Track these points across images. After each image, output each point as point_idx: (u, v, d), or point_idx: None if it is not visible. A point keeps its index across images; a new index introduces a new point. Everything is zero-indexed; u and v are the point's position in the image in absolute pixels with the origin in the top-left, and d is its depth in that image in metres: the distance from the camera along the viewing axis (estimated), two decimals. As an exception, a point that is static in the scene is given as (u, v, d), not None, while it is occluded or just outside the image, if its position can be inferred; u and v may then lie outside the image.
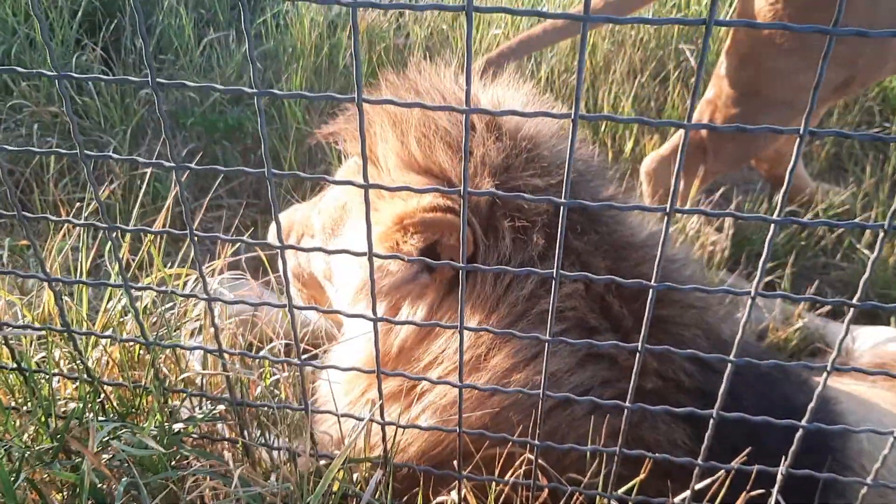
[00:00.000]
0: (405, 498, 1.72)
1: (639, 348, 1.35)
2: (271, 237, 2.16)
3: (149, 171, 3.00)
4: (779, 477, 1.49)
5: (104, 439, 1.51)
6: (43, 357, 1.82)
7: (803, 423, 1.41)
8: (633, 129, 3.85)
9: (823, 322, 3.05)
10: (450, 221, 1.62)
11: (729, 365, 1.33)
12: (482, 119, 1.73)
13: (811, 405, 1.39)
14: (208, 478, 1.50)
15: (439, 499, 1.68)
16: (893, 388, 2.44)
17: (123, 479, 1.44)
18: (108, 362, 1.77)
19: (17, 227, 3.12)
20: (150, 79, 1.18)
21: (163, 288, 1.45)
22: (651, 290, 1.26)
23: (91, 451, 1.41)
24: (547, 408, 1.63)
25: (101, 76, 1.17)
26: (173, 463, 1.61)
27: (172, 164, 1.25)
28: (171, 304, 1.97)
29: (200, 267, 1.38)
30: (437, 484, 1.70)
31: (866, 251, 3.36)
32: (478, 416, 1.63)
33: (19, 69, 1.25)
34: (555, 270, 1.25)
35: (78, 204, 2.40)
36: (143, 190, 2.43)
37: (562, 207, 1.18)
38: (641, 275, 1.58)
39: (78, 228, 2.24)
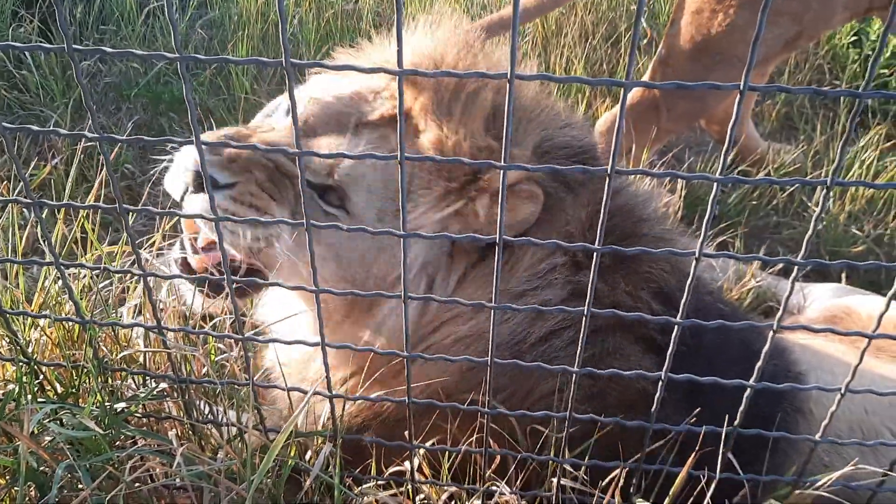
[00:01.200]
0: (357, 469, 1.71)
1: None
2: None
3: (94, 146, 2.92)
4: (723, 436, 1.49)
5: (42, 421, 1.47)
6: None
7: (752, 381, 1.41)
8: (586, 93, 3.82)
9: (775, 280, 3.07)
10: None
11: (682, 312, 1.32)
12: None
13: (765, 349, 1.38)
14: (152, 458, 1.47)
15: (392, 468, 1.67)
16: (845, 340, 2.47)
17: (62, 463, 1.39)
18: (47, 343, 1.72)
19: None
20: (65, 46, 1.13)
21: (97, 266, 1.40)
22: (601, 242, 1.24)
23: (26, 434, 1.37)
24: (533, 340, 1.66)
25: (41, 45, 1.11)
26: (117, 443, 1.57)
27: (96, 136, 1.20)
28: (108, 281, 1.92)
29: (133, 242, 1.34)
30: (391, 453, 1.69)
31: (817, 209, 3.38)
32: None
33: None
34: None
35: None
36: (75, 165, 2.35)
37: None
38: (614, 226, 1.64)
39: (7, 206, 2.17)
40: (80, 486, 1.42)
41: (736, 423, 1.47)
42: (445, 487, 1.68)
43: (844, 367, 2.10)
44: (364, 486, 1.66)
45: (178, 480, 1.44)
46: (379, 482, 1.69)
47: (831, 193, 2.79)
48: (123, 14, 3.96)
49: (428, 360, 1.50)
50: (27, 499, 1.40)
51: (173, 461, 1.46)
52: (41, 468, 1.46)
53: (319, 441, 1.66)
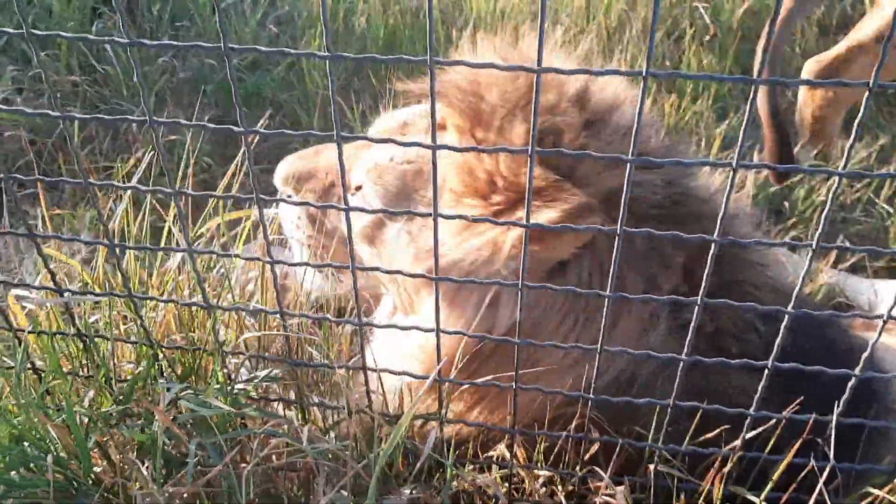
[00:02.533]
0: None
1: (697, 302, 1.38)
2: (278, 180, 2.09)
3: (175, 137, 3.01)
4: (833, 426, 1.53)
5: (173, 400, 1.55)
6: (94, 321, 1.85)
7: (857, 371, 1.45)
8: (651, 90, 3.85)
9: (844, 276, 3.08)
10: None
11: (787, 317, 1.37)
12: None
13: (865, 355, 1.43)
14: (273, 438, 1.54)
15: (490, 452, 1.73)
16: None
17: (193, 439, 1.47)
18: (162, 325, 1.80)
19: (49, 193, 3.13)
20: (222, 45, 1.20)
21: (227, 253, 1.47)
22: (713, 245, 1.29)
23: (162, 411, 1.45)
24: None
25: (172, 42, 1.18)
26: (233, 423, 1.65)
27: (241, 130, 1.27)
28: (219, 265, 2.01)
29: (266, 231, 1.41)
30: (487, 439, 1.75)
31: (885, 206, 3.39)
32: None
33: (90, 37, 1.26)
34: (618, 227, 1.28)
35: (117, 169, 2.41)
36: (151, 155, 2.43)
37: (628, 165, 1.20)
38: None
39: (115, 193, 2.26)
40: (210, 461, 1.50)
41: (838, 410, 1.51)
42: (539, 472, 1.74)
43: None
44: (465, 468, 1.72)
45: (300, 460, 1.51)
46: (475, 464, 1.75)
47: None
48: (197, 11, 4.06)
49: (537, 345, 1.55)
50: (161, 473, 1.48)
51: (295, 440, 1.53)
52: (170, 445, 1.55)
53: (418, 425, 1.73)
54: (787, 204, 3.41)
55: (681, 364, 1.48)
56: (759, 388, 1.50)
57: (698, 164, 1.61)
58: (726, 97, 4.04)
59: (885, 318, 1.38)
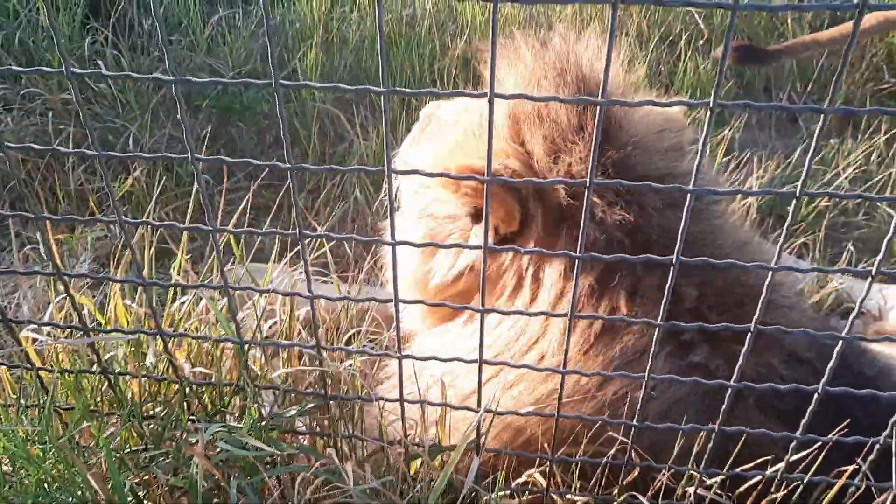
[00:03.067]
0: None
1: (751, 329, 1.36)
2: None
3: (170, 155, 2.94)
4: (878, 447, 1.51)
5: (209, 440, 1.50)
6: (109, 357, 1.80)
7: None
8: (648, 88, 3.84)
9: (852, 282, 3.08)
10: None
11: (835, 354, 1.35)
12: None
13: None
14: (315, 476, 1.50)
15: (522, 478, 1.70)
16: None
17: (232, 481, 1.43)
18: (189, 359, 1.76)
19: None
20: (272, 80, 1.15)
21: (267, 289, 1.43)
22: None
23: (201, 453, 1.40)
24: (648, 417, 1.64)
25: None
26: (268, 461, 1.61)
27: (288, 166, 1.23)
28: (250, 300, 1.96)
29: (307, 266, 1.37)
30: (521, 464, 1.72)
31: (889, 209, 3.39)
32: (577, 402, 1.64)
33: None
34: (675, 257, 1.25)
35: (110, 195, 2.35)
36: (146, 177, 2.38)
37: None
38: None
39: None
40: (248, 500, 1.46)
41: (886, 434, 1.50)
42: (576, 497, 1.71)
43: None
44: (499, 494, 1.69)
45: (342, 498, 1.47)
46: (507, 492, 1.72)
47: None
48: (189, 23, 3.99)
49: (584, 375, 1.52)
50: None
51: (336, 479, 1.49)
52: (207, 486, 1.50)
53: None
54: (789, 209, 3.40)
55: (729, 391, 1.45)
56: (808, 412, 1.48)
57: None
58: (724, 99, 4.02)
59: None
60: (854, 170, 3.58)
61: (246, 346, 1.55)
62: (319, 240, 2.23)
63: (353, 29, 4.08)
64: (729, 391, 1.45)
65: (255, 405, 1.61)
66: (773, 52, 3.69)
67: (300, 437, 1.77)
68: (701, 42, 4.26)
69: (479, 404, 1.56)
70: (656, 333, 1.39)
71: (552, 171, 1.70)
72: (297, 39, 4.03)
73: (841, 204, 3.48)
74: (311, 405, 1.62)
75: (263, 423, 1.58)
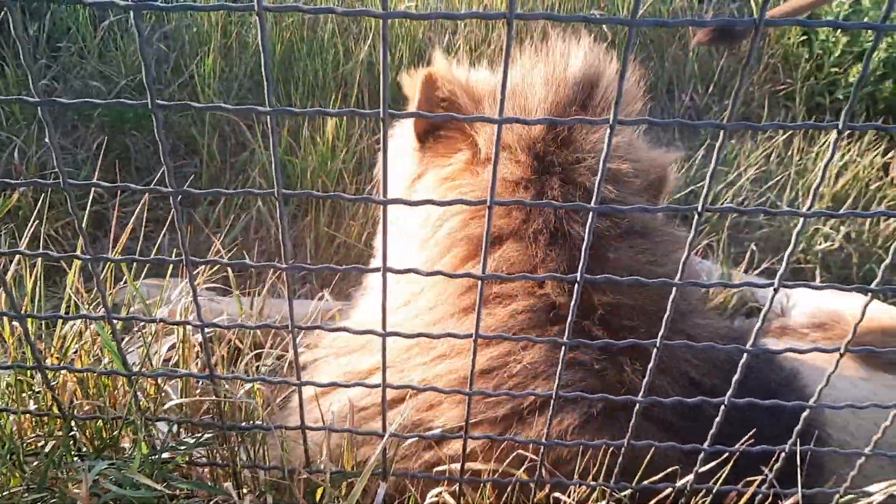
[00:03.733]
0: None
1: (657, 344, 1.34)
2: None
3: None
4: (783, 454, 1.52)
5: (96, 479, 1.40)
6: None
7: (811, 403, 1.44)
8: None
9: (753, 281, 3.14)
10: None
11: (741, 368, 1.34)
12: None
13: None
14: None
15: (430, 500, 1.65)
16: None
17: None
18: (73, 392, 1.65)
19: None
20: (149, 101, 1.07)
21: (153, 318, 1.34)
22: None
23: (85, 496, 1.31)
24: (529, 408, 1.62)
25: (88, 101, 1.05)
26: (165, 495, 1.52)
27: (170, 190, 1.15)
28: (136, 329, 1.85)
29: (195, 294, 1.29)
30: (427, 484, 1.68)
31: (787, 208, 3.47)
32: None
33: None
34: (579, 276, 1.22)
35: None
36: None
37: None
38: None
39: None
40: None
41: (791, 442, 1.50)
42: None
43: (845, 382, 2.17)
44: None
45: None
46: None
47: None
48: (78, 29, 3.81)
49: (491, 395, 1.48)
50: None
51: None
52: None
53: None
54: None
55: (636, 406, 1.44)
56: (715, 423, 1.47)
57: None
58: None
59: (841, 350, 1.37)
60: (755, 170, 3.65)
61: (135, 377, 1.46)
62: (221, 252, 2.14)
63: (253, 33, 3.97)
64: (638, 407, 1.44)
65: (147, 439, 1.52)
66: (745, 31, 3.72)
67: (200, 468, 1.68)
68: (605, 44, 4.29)
69: (383, 426, 1.51)
70: (563, 350, 1.36)
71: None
72: (195, 45, 3.89)
73: (743, 204, 3.54)
74: (209, 435, 1.54)
75: (155, 457, 1.50)
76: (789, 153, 3.78)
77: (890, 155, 3.79)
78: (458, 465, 1.57)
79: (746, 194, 3.54)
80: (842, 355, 1.38)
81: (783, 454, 1.53)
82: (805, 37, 4.44)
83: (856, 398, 2.08)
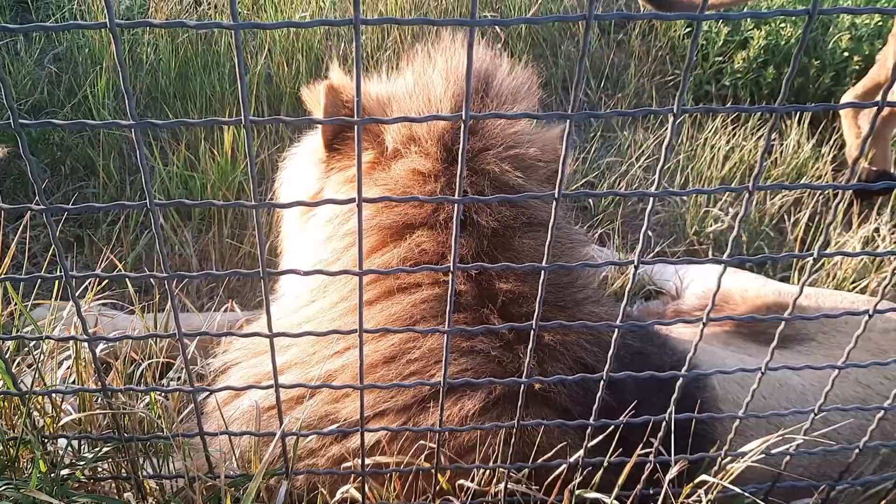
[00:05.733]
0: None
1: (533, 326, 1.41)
2: None
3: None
4: (664, 424, 1.61)
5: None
6: None
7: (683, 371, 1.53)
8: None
9: (650, 266, 3.26)
10: None
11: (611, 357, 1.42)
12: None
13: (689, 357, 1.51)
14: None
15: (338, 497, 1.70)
16: (714, 326, 2.68)
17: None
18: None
19: None
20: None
21: (39, 336, 1.36)
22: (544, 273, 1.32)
23: (-19, 518, 1.32)
24: (430, 394, 1.67)
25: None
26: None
27: (42, 207, 1.18)
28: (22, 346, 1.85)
29: (79, 308, 1.31)
30: (335, 481, 1.72)
31: (681, 197, 3.61)
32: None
33: None
34: (452, 265, 1.28)
35: None
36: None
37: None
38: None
39: None
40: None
41: (669, 411, 1.59)
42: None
43: (735, 360, 2.29)
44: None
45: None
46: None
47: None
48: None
49: (381, 388, 1.54)
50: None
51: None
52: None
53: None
54: (591, 201, 3.57)
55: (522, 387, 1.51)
56: (598, 398, 1.55)
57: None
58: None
59: (704, 320, 1.46)
60: (646, 159, 3.79)
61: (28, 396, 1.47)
62: (119, 267, 2.14)
63: (147, 51, 3.95)
64: (523, 387, 1.50)
65: (45, 457, 1.53)
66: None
67: (104, 483, 1.70)
68: (498, 45, 4.39)
69: (280, 420, 1.55)
70: (446, 338, 1.42)
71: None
72: (88, 64, 3.86)
73: (637, 190, 3.67)
74: (108, 448, 1.56)
75: (54, 474, 1.51)
76: (679, 140, 3.92)
77: (773, 137, 3.97)
78: (363, 460, 1.62)
79: (639, 181, 3.67)
80: (705, 325, 1.47)
81: (672, 427, 1.61)
82: (690, 28, 4.61)
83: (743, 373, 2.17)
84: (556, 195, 1.24)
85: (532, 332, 1.42)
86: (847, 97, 3.72)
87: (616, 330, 1.45)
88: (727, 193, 3.54)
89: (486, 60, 2.01)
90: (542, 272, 1.33)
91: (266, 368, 1.81)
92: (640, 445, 1.60)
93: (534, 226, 1.82)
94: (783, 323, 1.47)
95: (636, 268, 1.35)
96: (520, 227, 1.78)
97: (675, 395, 1.58)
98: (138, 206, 1.18)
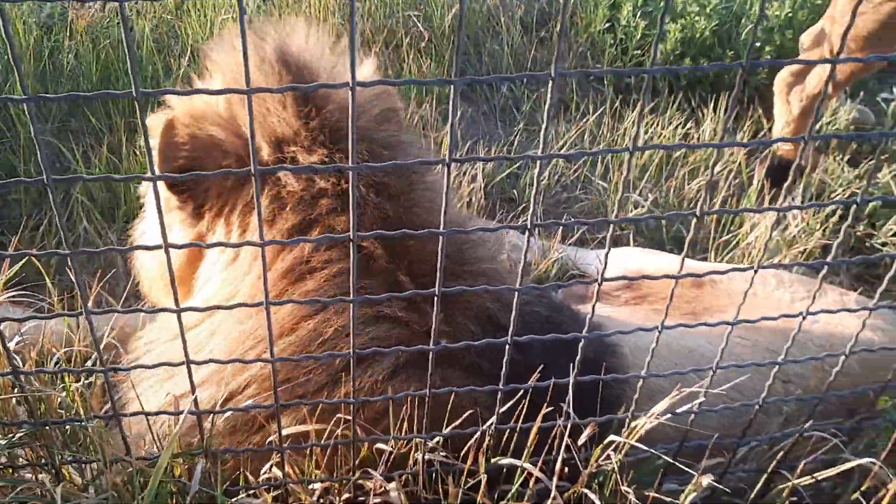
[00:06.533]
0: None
1: (436, 293, 1.46)
2: None
3: None
4: (571, 386, 1.67)
5: None
6: None
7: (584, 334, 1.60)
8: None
9: (573, 250, 3.34)
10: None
11: (514, 314, 1.48)
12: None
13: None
14: (26, 504, 1.45)
15: (262, 476, 1.73)
16: (634, 305, 2.76)
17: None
18: None
19: None
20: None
21: (-57, 317, 1.37)
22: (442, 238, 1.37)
23: None
24: (342, 368, 1.71)
25: None
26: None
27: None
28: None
29: (-17, 288, 1.33)
30: (257, 461, 1.75)
31: (600, 182, 3.71)
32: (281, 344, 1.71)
33: None
34: (352, 234, 1.33)
35: None
36: None
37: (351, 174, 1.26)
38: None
39: None
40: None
41: (575, 374, 1.66)
42: (314, 485, 1.76)
43: (649, 336, 2.36)
44: (239, 497, 1.70)
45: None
46: (249, 491, 1.74)
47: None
48: None
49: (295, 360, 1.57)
50: None
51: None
52: None
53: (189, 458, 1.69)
54: (515, 192, 3.64)
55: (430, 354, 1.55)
56: (504, 363, 1.60)
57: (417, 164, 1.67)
58: (447, 99, 4.25)
59: (599, 281, 1.53)
60: (568, 149, 3.88)
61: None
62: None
63: (70, 57, 3.92)
64: (432, 355, 1.55)
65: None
66: None
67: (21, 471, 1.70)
68: (423, 44, 4.46)
69: (196, 405, 1.57)
70: (352, 308, 1.46)
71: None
72: (7, 72, 3.82)
73: (561, 181, 3.76)
74: (22, 434, 1.57)
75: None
76: (601, 131, 4.03)
77: (689, 125, 4.10)
78: (280, 433, 1.65)
79: (562, 171, 3.76)
80: (600, 285, 1.54)
81: (577, 390, 1.67)
82: (609, 24, 4.73)
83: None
84: (447, 160, 1.30)
85: (436, 297, 1.47)
86: (783, 74, 3.84)
87: (517, 293, 1.50)
88: (645, 181, 3.66)
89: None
90: (441, 238, 1.38)
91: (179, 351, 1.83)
92: (547, 409, 1.66)
93: (431, 189, 1.89)
94: (675, 282, 1.55)
95: (529, 232, 1.41)
96: (423, 191, 1.84)
97: (578, 357, 1.64)
98: (34, 182, 1.21)
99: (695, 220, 1.48)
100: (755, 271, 1.57)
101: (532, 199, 1.38)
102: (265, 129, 1.81)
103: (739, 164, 3.86)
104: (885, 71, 4.73)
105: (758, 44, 4.51)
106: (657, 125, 4.05)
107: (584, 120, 4.08)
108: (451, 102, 1.24)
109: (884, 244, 3.42)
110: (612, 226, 1.46)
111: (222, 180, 1.85)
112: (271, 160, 1.79)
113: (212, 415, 1.64)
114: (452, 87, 1.23)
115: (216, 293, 1.83)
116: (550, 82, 1.27)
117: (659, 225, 3.53)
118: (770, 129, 4.11)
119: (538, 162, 1.36)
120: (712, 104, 4.17)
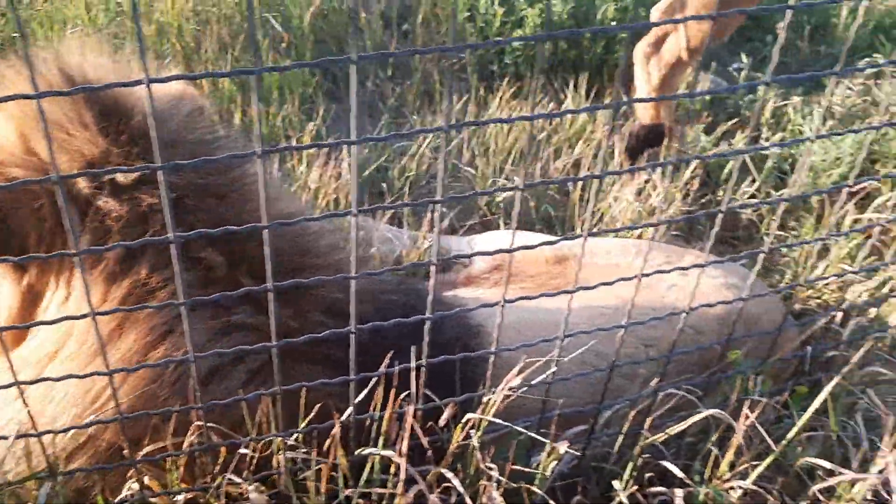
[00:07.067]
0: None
1: (269, 287, 1.44)
2: None
3: None
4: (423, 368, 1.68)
5: None
6: None
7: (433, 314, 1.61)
8: (238, 100, 3.93)
9: (443, 238, 3.36)
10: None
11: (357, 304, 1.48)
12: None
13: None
14: None
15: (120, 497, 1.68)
16: (502, 286, 2.80)
17: None
18: None
19: None
20: None
21: None
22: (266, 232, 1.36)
23: None
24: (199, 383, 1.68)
25: None
26: None
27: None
28: None
29: None
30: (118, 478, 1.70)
31: (468, 168, 3.75)
32: (128, 400, 1.64)
33: None
34: (172, 235, 1.30)
35: None
36: None
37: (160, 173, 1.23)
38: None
39: None
40: None
41: (427, 355, 1.67)
42: (177, 496, 1.72)
43: (519, 314, 2.40)
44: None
45: None
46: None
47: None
48: None
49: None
50: None
51: None
52: None
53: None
54: (385, 185, 3.64)
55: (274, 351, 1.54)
56: (351, 352, 1.60)
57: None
58: (313, 97, 4.22)
59: (434, 262, 1.55)
60: (436, 139, 3.91)
61: None
62: None
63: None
64: (275, 351, 1.54)
65: None
66: None
67: None
68: (283, 45, 4.42)
69: (35, 427, 1.52)
70: (183, 310, 1.43)
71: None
72: None
73: (427, 172, 3.79)
74: None
75: None
76: (465, 117, 4.07)
77: (551, 106, 4.19)
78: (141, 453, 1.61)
79: (429, 161, 3.78)
80: (435, 266, 1.56)
81: (429, 370, 1.68)
82: (469, 13, 4.78)
83: (519, 319, 2.27)
84: (258, 152, 1.29)
85: (269, 292, 1.45)
86: (641, 45, 3.93)
87: (353, 281, 1.50)
88: (510, 164, 3.71)
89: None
90: (265, 231, 1.37)
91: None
92: (399, 393, 1.67)
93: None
94: (512, 256, 1.58)
95: (356, 217, 1.41)
96: (245, 182, 1.81)
97: (426, 339, 1.65)
98: None
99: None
100: (584, 239, 1.61)
101: (353, 185, 1.38)
102: (72, 155, 1.66)
103: (600, 141, 3.96)
104: (734, 41, 4.92)
105: (613, 22, 4.63)
106: (523, 109, 4.12)
107: (449, 109, 4.10)
108: (254, 96, 1.23)
109: (743, 206, 3.54)
110: (478, 210, 1.48)
111: (38, 224, 1.68)
112: (88, 189, 1.67)
113: (52, 435, 1.58)
114: (254, 76, 1.22)
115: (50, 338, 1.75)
116: (353, 66, 1.27)
117: (527, 206, 3.58)
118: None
119: (352, 147, 1.36)
120: (572, 84, 4.26)
